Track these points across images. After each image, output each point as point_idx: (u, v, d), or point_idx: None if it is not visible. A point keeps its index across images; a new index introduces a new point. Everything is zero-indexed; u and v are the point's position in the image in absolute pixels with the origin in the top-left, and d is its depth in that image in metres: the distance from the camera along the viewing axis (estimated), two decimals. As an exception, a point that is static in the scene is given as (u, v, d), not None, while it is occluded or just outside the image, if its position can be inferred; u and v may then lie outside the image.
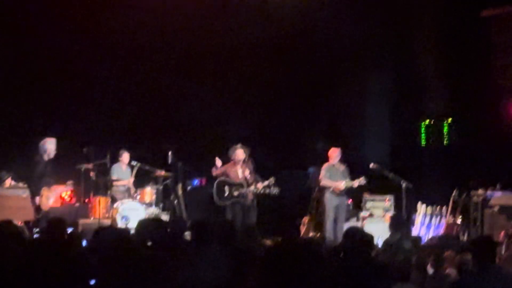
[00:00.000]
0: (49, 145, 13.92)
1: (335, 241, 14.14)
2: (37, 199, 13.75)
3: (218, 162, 14.96)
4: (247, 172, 14.85)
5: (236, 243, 8.08)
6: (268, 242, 10.25)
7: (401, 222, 11.02)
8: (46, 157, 13.93)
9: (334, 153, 15.28)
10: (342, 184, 15.02)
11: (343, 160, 15.38)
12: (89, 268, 7.27)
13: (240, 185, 14.74)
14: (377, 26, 17.74)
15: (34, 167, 13.79)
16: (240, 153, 14.91)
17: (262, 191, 14.87)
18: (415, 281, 7.47)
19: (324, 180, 15.15)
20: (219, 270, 7.17)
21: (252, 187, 14.77)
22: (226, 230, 8.26)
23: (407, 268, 7.46)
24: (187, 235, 9.13)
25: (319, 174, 15.44)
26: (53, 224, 8.64)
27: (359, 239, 7.24)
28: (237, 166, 14.93)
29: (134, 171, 15.99)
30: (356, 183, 15.15)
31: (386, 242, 10.17)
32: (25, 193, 15.10)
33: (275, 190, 14.89)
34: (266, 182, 14.89)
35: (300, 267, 6.10)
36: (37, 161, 13.85)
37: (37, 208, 13.70)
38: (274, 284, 6.17)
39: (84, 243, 9.07)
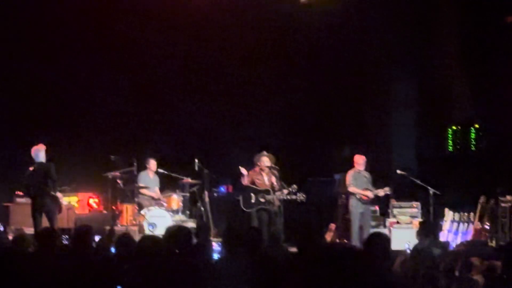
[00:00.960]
0: (43, 152, 13.83)
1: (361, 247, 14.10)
2: None
3: (244, 171, 14.97)
4: (273, 179, 14.86)
5: (262, 250, 8.08)
6: (293, 249, 10.24)
7: (430, 228, 10.94)
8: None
9: (360, 160, 15.23)
10: (370, 193, 14.99)
11: (368, 167, 15.33)
12: (116, 275, 7.33)
13: (267, 192, 14.74)
14: (402, 33, 17.71)
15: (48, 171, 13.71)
16: (265, 160, 14.92)
17: (288, 198, 14.86)
18: (442, 287, 7.43)
19: (352, 187, 15.09)
20: (247, 277, 7.18)
21: (278, 194, 14.77)
22: (253, 237, 8.25)
23: (436, 274, 7.42)
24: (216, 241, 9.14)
25: (345, 181, 15.39)
26: (81, 231, 8.69)
27: (380, 244, 7.26)
28: (263, 173, 14.94)
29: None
30: (381, 192, 15.12)
31: (414, 248, 10.09)
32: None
33: (301, 197, 14.86)
34: (289, 189, 14.87)
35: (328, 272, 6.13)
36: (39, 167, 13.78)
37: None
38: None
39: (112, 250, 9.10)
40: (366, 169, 15.22)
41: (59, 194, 13.73)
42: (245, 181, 14.92)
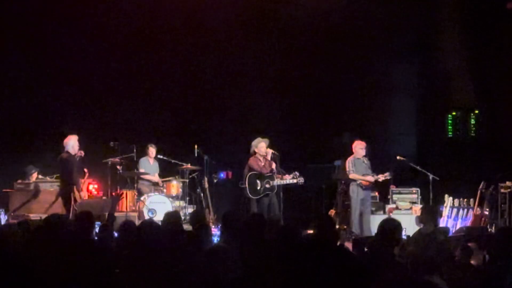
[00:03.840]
0: (74, 141, 14.19)
1: (361, 234, 14.15)
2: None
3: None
4: (273, 165, 14.90)
5: (263, 235, 8.09)
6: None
7: (435, 213, 10.69)
8: (73, 153, 14.18)
9: (360, 145, 15.20)
10: (371, 177, 14.97)
11: (367, 153, 15.29)
12: (115, 260, 7.37)
13: (271, 178, 14.77)
14: (403, 19, 17.66)
15: (67, 163, 14.01)
16: (264, 146, 14.95)
17: (289, 182, 14.89)
18: (443, 272, 7.43)
19: (352, 174, 15.07)
20: (245, 261, 7.20)
21: (278, 179, 14.81)
22: (257, 223, 8.25)
23: (438, 260, 7.40)
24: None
25: (345, 167, 15.38)
26: (82, 218, 8.70)
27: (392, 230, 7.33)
28: (263, 158, 14.96)
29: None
30: (381, 178, 15.10)
31: (419, 233, 9.93)
32: (52, 187, 15.36)
33: (301, 180, 14.90)
34: (291, 175, 14.92)
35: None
36: (67, 157, 14.08)
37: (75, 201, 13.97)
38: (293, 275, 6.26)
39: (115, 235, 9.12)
40: (366, 155, 15.20)
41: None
42: (247, 169, 14.94)
